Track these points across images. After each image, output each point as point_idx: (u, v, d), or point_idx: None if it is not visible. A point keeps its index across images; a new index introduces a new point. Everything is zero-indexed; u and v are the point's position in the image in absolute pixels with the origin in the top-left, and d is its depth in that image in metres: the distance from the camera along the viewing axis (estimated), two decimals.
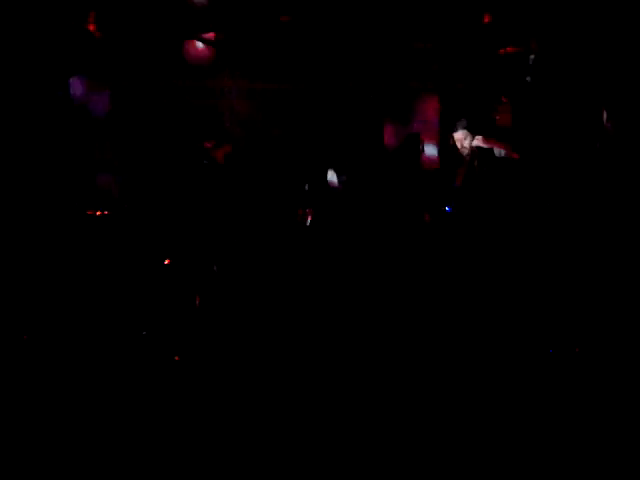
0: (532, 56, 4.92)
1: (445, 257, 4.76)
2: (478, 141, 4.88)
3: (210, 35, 5.02)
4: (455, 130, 4.97)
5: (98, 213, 4.74)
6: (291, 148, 5.05)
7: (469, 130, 4.94)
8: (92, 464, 3.90)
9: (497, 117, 4.97)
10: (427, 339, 4.51)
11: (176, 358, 4.45)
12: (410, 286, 4.69)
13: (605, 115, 4.81)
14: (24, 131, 4.77)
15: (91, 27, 4.90)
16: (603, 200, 4.73)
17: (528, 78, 4.94)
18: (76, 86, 4.80)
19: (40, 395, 4.18)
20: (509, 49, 4.96)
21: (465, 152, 4.94)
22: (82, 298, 4.57)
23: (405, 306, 4.63)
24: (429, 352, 4.45)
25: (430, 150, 5.04)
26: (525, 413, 4.13)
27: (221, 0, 5.10)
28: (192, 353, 4.47)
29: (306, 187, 4.93)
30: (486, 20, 5.03)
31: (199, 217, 4.81)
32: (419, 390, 4.27)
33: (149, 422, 4.09)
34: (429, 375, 4.34)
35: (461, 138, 4.94)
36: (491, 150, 4.93)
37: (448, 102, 5.08)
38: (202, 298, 4.65)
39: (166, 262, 4.69)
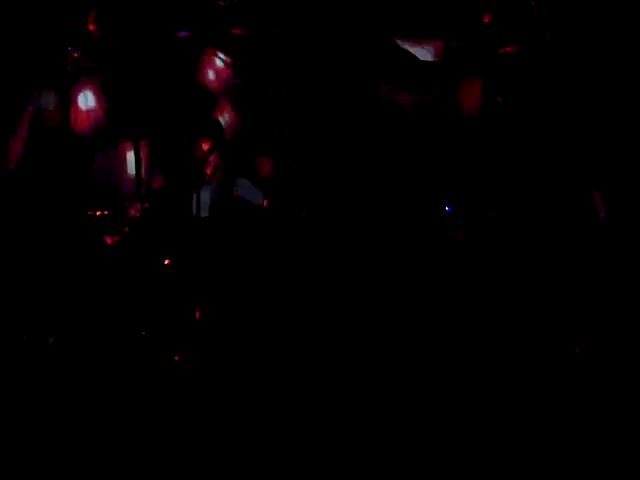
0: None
1: (444, 257, 4.77)
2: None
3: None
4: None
5: (98, 213, 4.74)
6: (289, 148, 5.06)
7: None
8: (92, 464, 3.89)
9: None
10: (426, 339, 4.51)
11: (176, 358, 4.45)
12: (411, 287, 4.69)
13: (605, 118, 4.81)
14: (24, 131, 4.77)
15: (91, 27, 4.90)
16: (603, 200, 4.73)
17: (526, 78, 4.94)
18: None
19: (40, 395, 4.18)
20: (509, 49, 4.97)
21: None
22: (82, 298, 4.57)
23: (405, 307, 4.63)
24: (429, 352, 4.45)
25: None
26: (525, 413, 4.13)
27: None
28: (192, 353, 4.47)
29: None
30: (486, 20, 5.02)
31: (198, 217, 4.81)
32: (419, 390, 4.27)
33: (149, 422, 4.08)
34: (429, 375, 4.34)
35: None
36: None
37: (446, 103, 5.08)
38: (202, 300, 4.65)
39: (166, 262, 4.69)
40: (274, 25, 5.07)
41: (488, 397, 4.23)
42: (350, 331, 4.55)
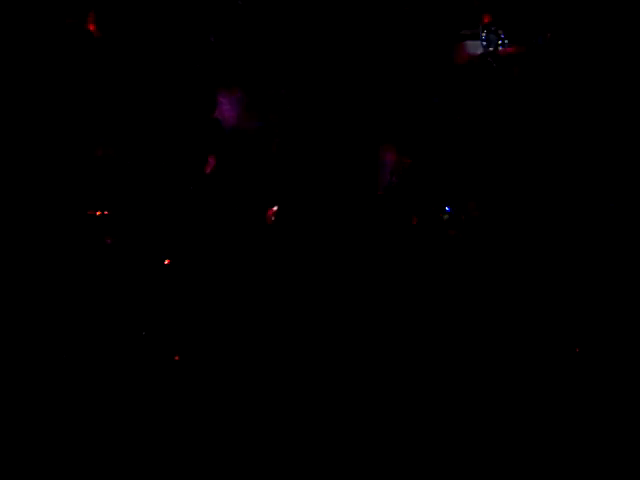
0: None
1: (443, 257, 4.77)
2: None
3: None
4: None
5: (98, 213, 4.74)
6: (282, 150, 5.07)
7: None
8: (92, 464, 3.89)
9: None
10: (425, 340, 4.51)
11: (176, 358, 4.45)
12: (407, 288, 4.69)
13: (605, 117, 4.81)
14: (23, 131, 4.77)
15: (91, 27, 4.90)
16: (602, 201, 4.73)
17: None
18: None
19: (40, 395, 4.18)
20: (509, 49, 4.97)
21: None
22: (82, 298, 4.57)
23: (402, 308, 4.64)
24: (428, 353, 4.45)
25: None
26: (525, 413, 4.13)
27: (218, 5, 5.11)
28: (192, 353, 4.47)
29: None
30: (486, 20, 5.03)
31: (197, 217, 4.81)
32: (418, 391, 4.27)
33: (149, 422, 4.09)
34: (426, 377, 4.34)
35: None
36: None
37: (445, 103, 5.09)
38: (202, 298, 4.65)
39: (166, 262, 4.69)
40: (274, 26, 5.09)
41: (486, 396, 4.24)
42: (348, 329, 4.56)
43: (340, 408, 4.19)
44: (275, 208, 4.87)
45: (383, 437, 4.04)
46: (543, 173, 4.82)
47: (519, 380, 4.31)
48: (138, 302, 4.59)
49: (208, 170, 4.86)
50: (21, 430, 4.01)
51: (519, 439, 4.01)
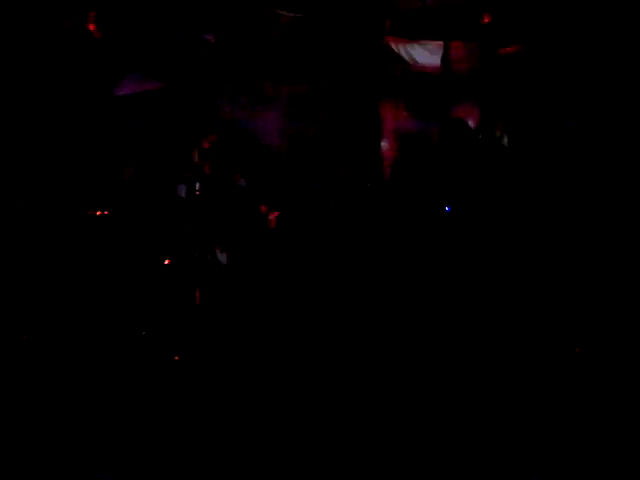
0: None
1: (443, 257, 4.77)
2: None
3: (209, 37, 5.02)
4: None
5: (98, 213, 4.74)
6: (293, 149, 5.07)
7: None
8: (92, 463, 3.90)
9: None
10: (425, 340, 4.51)
11: (176, 358, 4.45)
12: (409, 285, 4.70)
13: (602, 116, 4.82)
14: (25, 131, 4.78)
15: (91, 27, 4.91)
16: (602, 200, 4.73)
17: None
18: None
19: (40, 395, 4.18)
20: (509, 49, 4.98)
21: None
22: (82, 298, 4.57)
23: (403, 306, 4.64)
24: (428, 353, 4.45)
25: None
26: (525, 413, 4.13)
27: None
28: (192, 353, 4.47)
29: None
30: (486, 20, 5.04)
31: (197, 216, 4.82)
32: (418, 391, 4.28)
33: (149, 422, 4.09)
34: (426, 377, 4.34)
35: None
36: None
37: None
38: (202, 297, 4.65)
39: (166, 262, 4.70)
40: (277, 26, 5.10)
41: (487, 396, 4.24)
42: (348, 329, 4.56)
43: (339, 405, 4.20)
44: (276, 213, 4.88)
45: (383, 435, 4.05)
46: (542, 173, 4.83)
47: (518, 379, 4.31)
48: (138, 302, 4.60)
49: (208, 171, 4.88)
50: (22, 429, 4.02)
51: (518, 437, 4.01)
